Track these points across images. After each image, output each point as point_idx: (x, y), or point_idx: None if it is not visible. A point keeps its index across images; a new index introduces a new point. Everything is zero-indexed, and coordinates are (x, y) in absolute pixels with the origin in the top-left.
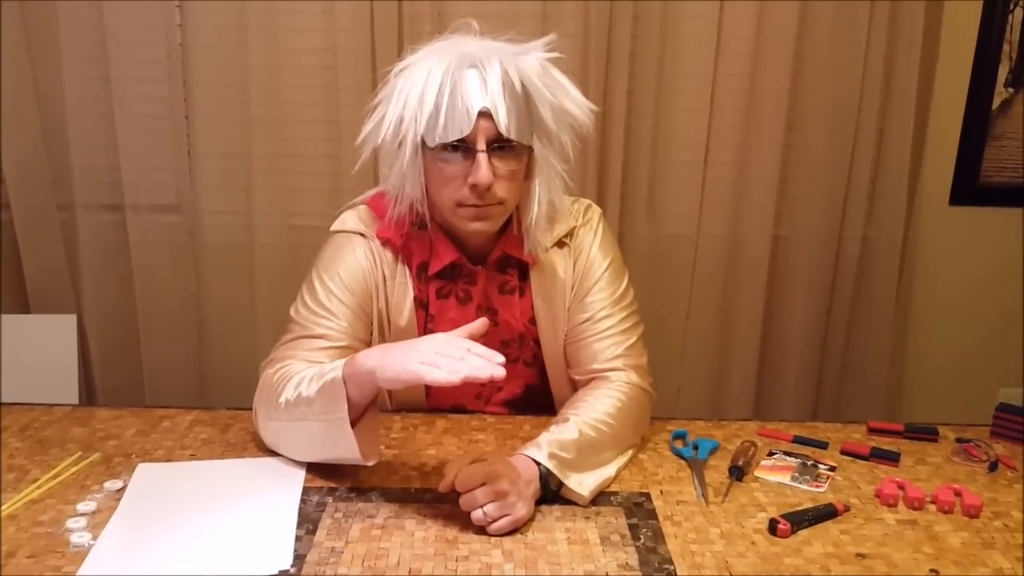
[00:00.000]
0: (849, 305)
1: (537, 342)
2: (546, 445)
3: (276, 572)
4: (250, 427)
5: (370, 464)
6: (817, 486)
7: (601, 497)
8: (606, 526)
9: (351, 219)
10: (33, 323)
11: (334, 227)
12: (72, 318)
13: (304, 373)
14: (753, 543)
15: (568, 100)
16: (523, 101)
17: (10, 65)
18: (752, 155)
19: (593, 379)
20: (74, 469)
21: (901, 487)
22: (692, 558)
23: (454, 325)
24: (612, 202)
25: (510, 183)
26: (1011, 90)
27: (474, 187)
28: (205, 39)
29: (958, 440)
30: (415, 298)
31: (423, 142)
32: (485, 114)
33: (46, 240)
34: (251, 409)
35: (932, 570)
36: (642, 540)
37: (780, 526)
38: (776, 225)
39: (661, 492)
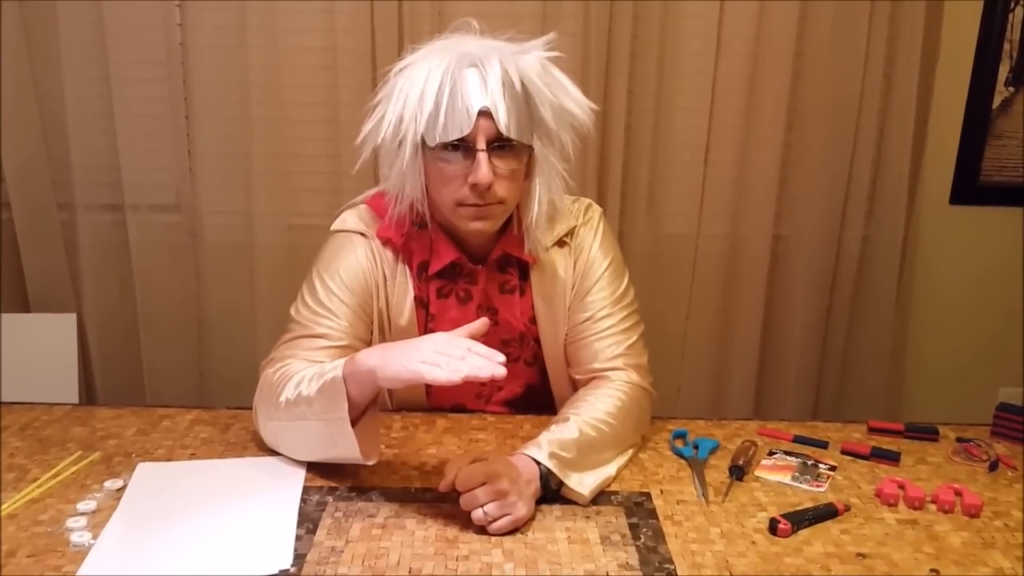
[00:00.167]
0: (849, 304)
1: (537, 341)
2: (546, 444)
3: (276, 571)
4: (250, 426)
5: (370, 463)
6: (817, 486)
7: (601, 496)
8: (606, 525)
9: (351, 218)
10: (33, 322)
11: (334, 226)
12: (72, 317)
13: (304, 372)
14: (753, 543)
15: (568, 99)
16: (523, 100)
17: (10, 65)
18: (752, 155)
19: (593, 378)
20: (74, 468)
21: (901, 487)
22: (692, 558)
23: (455, 324)
24: (612, 201)
25: (510, 182)
26: (1012, 89)
27: (474, 186)
28: (205, 39)
29: (958, 440)
30: (415, 297)
31: (423, 141)
32: (485, 113)
33: (46, 239)
34: (251, 408)
35: (932, 570)
36: (642, 540)
37: (780, 526)
38: (776, 225)
39: (661, 491)
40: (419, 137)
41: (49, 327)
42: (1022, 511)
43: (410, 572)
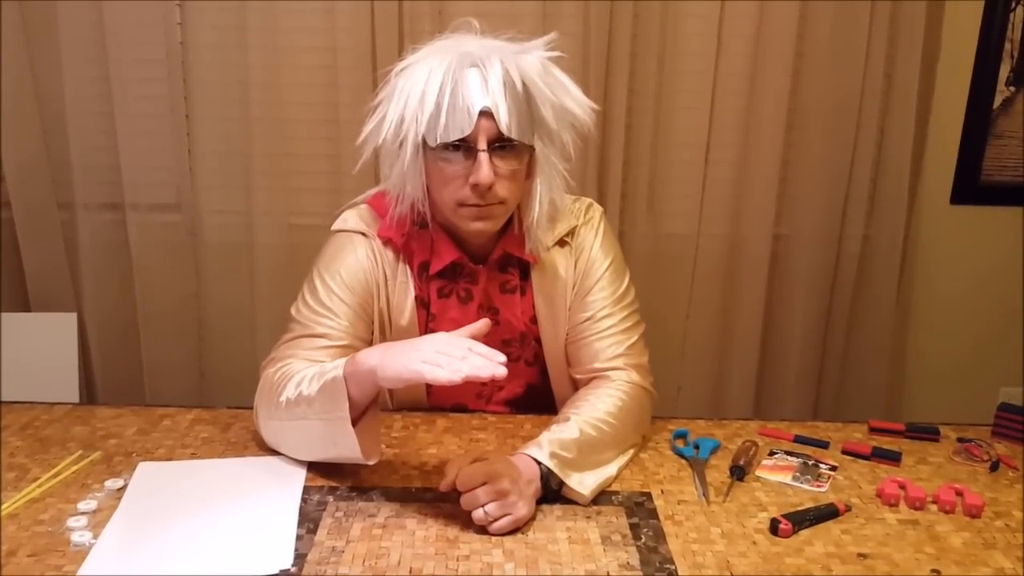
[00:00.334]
0: (850, 304)
1: (538, 341)
2: (547, 444)
3: (277, 571)
4: (251, 426)
5: (371, 463)
6: (818, 486)
7: (602, 496)
8: (607, 525)
9: (352, 218)
10: (33, 321)
11: (335, 226)
12: (72, 316)
13: (305, 372)
14: (754, 543)
15: (569, 99)
16: (524, 100)
17: (10, 65)
18: (752, 154)
19: (594, 378)
20: (75, 468)
21: (902, 487)
22: (693, 558)
23: (455, 324)
24: (612, 201)
25: (511, 182)
26: (1012, 88)
27: (475, 187)
28: (205, 38)
29: (959, 440)
30: (416, 297)
31: (424, 142)
32: (486, 113)
33: (46, 239)
34: (251, 408)
35: (933, 570)
36: (643, 540)
37: (781, 526)
38: (776, 224)
39: (662, 491)
40: (420, 137)
41: (49, 326)
42: (1023, 511)
43: (411, 572)
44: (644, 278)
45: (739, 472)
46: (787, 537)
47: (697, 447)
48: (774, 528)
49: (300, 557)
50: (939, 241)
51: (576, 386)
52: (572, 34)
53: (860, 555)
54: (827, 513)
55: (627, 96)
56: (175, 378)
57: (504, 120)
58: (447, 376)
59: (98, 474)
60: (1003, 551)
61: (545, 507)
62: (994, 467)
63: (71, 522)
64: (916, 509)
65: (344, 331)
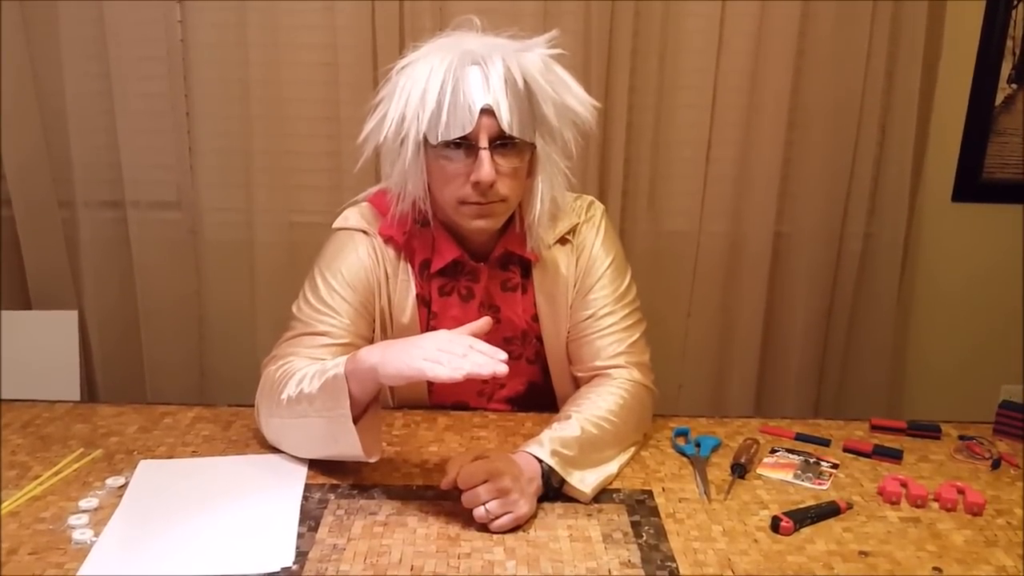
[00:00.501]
0: (851, 302)
1: (539, 339)
2: (548, 442)
3: (278, 569)
4: (252, 424)
5: (372, 461)
6: (820, 483)
7: (603, 494)
8: (608, 523)
9: (353, 216)
10: (34, 319)
11: (336, 224)
12: (73, 314)
13: (306, 370)
14: (756, 541)
15: (570, 96)
16: (525, 98)
17: (10, 63)
18: (754, 152)
19: (595, 376)
20: (76, 466)
21: (904, 484)
22: (694, 555)
23: (457, 322)
24: (613, 199)
25: (513, 180)
26: (1014, 86)
27: (477, 184)
28: (205, 36)
29: (961, 437)
30: (417, 295)
31: (425, 140)
32: (487, 111)
33: (47, 237)
34: (252, 406)
35: (935, 568)
36: (644, 538)
37: (783, 524)
38: (778, 222)
39: (663, 489)
40: (421, 135)
41: (50, 324)
42: None
43: (412, 570)
44: (645, 276)
45: (740, 470)
46: (788, 535)
47: (698, 445)
48: (775, 526)
49: (301, 555)
50: (940, 239)
51: (577, 384)
52: (573, 32)
53: (862, 553)
54: (828, 511)
55: (628, 94)
56: (176, 376)
57: (505, 118)
58: (448, 373)
59: (99, 472)
60: (1005, 549)
61: (546, 505)
62: (995, 465)
63: (72, 520)
64: (918, 507)
65: (345, 329)
